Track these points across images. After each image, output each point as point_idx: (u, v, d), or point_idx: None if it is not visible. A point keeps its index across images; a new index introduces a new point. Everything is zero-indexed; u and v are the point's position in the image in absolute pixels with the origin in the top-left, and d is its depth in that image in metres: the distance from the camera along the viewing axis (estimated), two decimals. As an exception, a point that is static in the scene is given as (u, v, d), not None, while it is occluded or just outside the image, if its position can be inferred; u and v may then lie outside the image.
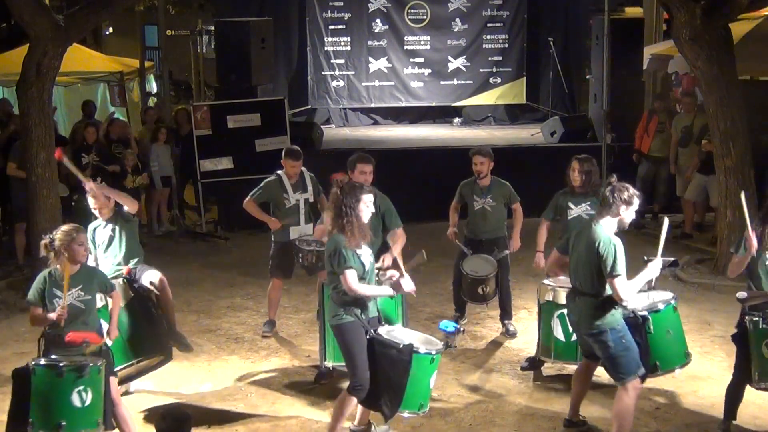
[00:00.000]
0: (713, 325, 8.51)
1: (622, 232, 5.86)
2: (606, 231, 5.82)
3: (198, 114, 12.25)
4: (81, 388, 5.56)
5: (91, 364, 5.62)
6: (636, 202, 5.90)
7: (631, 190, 5.89)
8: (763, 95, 11.78)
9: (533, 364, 7.45)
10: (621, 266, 5.72)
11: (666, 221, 6.20)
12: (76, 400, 5.54)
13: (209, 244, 12.01)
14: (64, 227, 5.98)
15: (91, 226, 7.04)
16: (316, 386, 7.23)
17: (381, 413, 5.91)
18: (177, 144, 12.72)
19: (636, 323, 6.05)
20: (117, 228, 7.00)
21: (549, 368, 7.42)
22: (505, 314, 8.41)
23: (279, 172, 8.28)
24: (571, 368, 6.96)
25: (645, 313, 6.17)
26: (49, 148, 9.63)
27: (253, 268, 10.39)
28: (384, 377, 5.79)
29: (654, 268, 5.95)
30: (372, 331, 5.87)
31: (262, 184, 8.31)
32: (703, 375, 7.40)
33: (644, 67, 14.60)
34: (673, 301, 6.41)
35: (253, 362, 7.85)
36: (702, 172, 11.14)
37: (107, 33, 25.53)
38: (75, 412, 5.55)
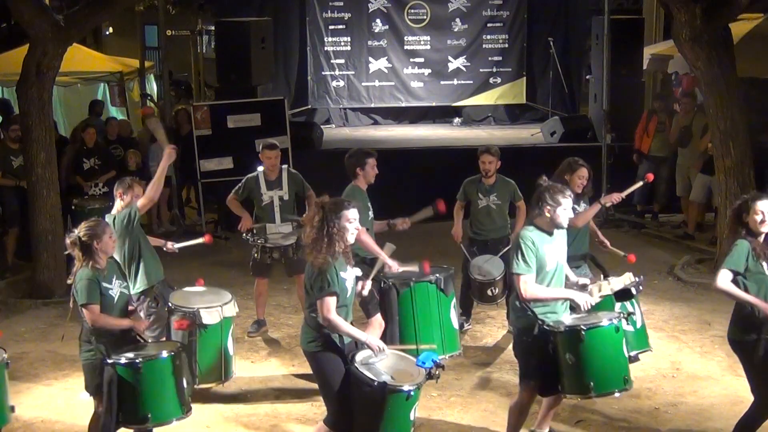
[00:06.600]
0: (713, 325, 8.50)
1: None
2: (526, 229, 5.63)
3: (198, 114, 12.24)
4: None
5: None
6: (564, 203, 5.58)
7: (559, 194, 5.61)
8: (763, 95, 11.79)
9: None
10: (523, 266, 5.52)
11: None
12: None
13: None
14: (90, 223, 5.78)
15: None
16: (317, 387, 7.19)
17: None
18: (176, 144, 12.70)
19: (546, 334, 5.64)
20: None
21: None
22: None
23: (260, 168, 8.31)
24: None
25: (549, 327, 5.61)
26: (49, 148, 9.63)
27: (253, 268, 10.37)
28: (359, 413, 5.29)
29: (579, 296, 5.64)
30: (350, 359, 5.32)
31: (243, 180, 8.39)
32: (703, 375, 7.40)
33: (644, 67, 14.60)
34: (584, 329, 5.51)
35: (253, 362, 7.84)
36: (705, 173, 11.14)
37: (107, 33, 25.53)
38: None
